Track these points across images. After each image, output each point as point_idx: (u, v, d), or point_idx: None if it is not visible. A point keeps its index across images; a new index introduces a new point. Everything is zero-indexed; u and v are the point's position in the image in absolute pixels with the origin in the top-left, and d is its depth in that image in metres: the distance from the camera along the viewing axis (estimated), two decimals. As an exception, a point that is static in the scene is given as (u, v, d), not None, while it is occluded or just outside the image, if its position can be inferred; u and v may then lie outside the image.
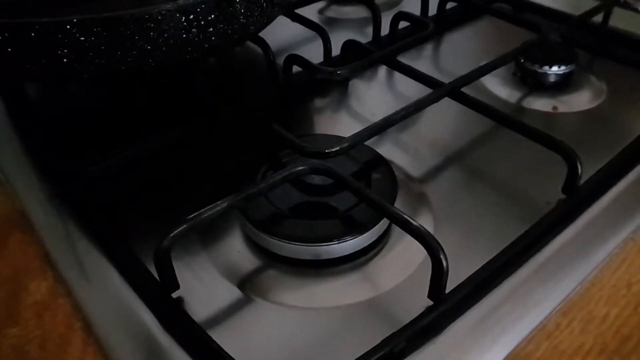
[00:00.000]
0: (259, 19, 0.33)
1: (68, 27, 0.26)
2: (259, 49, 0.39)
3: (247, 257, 0.27)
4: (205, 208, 0.24)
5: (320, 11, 0.50)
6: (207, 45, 0.30)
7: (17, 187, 0.31)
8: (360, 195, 0.26)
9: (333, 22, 0.48)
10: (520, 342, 0.23)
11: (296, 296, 0.25)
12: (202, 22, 0.29)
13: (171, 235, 0.23)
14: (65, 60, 0.28)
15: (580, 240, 0.27)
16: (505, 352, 0.23)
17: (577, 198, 0.29)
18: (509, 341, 0.23)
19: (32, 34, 0.26)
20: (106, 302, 0.24)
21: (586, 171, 0.29)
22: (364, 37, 0.43)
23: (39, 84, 0.38)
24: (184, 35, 0.29)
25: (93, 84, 0.37)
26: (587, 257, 0.27)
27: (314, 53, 0.38)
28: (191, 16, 0.29)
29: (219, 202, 0.24)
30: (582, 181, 0.29)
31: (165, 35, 0.28)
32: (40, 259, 0.27)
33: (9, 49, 0.27)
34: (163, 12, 0.27)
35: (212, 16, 0.29)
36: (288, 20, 0.42)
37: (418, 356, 0.22)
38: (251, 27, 0.33)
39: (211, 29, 0.30)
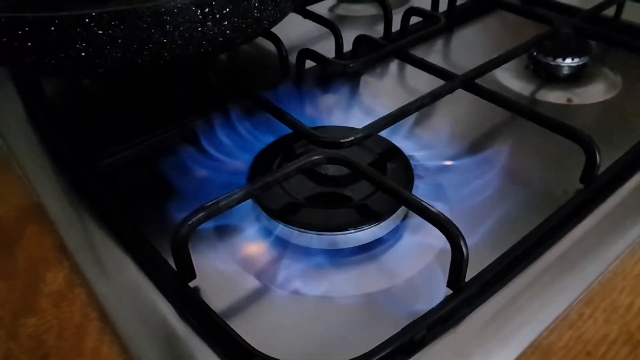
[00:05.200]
0: (272, 13, 0.33)
1: (87, 20, 0.27)
2: (268, 46, 0.39)
3: (262, 246, 0.27)
4: (222, 196, 0.24)
5: (331, 9, 0.50)
6: (221, 39, 0.30)
7: (34, 180, 0.31)
8: (377, 184, 0.26)
9: (343, 19, 0.48)
10: (542, 331, 0.23)
11: (313, 285, 0.25)
12: (217, 16, 0.29)
13: (189, 223, 0.23)
14: (83, 54, 0.28)
15: (601, 229, 0.27)
16: (527, 341, 0.22)
17: (595, 187, 0.29)
18: (531, 331, 0.23)
19: (52, 28, 0.27)
20: (122, 292, 0.24)
21: (603, 163, 0.29)
22: (375, 34, 0.43)
23: (54, 80, 0.39)
24: (199, 29, 0.29)
25: (108, 78, 0.38)
26: (609, 246, 0.26)
27: (325, 50, 0.38)
28: (206, 9, 0.29)
29: (235, 191, 0.24)
30: (600, 171, 0.29)
31: (181, 28, 0.28)
32: (56, 249, 0.27)
33: (29, 43, 0.27)
34: (179, 5, 0.28)
35: (227, 10, 0.30)
36: (299, 17, 0.43)
37: (438, 345, 0.22)
38: (265, 22, 0.33)
39: (226, 23, 0.30)
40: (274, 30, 0.37)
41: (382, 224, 0.26)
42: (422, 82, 0.36)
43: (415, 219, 0.26)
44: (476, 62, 0.35)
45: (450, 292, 0.23)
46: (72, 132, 0.33)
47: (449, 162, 0.30)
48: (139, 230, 0.26)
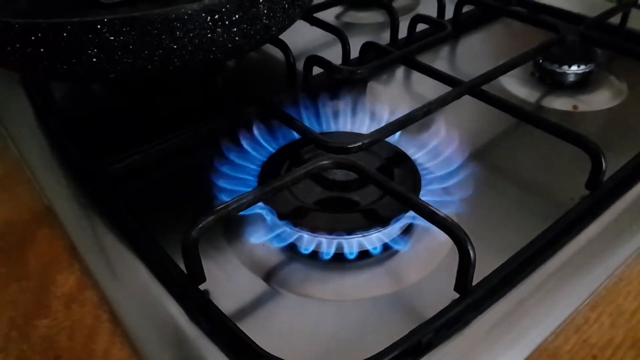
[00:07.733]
0: (280, 19, 0.33)
1: (98, 26, 0.27)
2: (276, 53, 0.39)
3: (271, 250, 0.27)
4: (232, 200, 0.24)
5: (338, 16, 0.51)
6: (230, 46, 0.31)
7: (44, 185, 0.32)
8: (384, 188, 0.26)
9: (350, 26, 0.49)
10: (548, 335, 0.23)
11: (321, 289, 0.25)
12: (227, 22, 0.30)
13: (199, 226, 0.23)
14: (94, 59, 0.28)
15: (606, 235, 0.27)
16: (533, 345, 0.23)
17: (601, 193, 0.29)
18: (537, 334, 0.23)
19: (64, 34, 0.27)
20: (133, 294, 0.25)
21: (608, 169, 0.29)
22: (381, 41, 0.44)
23: (64, 85, 0.39)
24: (209, 35, 0.30)
25: (117, 84, 0.38)
26: (615, 251, 0.26)
27: (332, 56, 0.39)
28: (216, 16, 0.29)
29: (245, 194, 0.24)
30: (605, 177, 0.29)
31: (191, 34, 0.29)
32: (67, 252, 0.27)
33: (41, 49, 0.28)
34: (189, 12, 0.28)
35: (236, 16, 0.30)
36: (306, 25, 0.43)
37: (445, 348, 0.22)
38: (273, 29, 0.33)
39: (235, 29, 0.30)
40: (281, 37, 0.37)
41: (390, 228, 0.26)
42: (429, 89, 0.37)
43: (423, 223, 0.27)
44: (482, 69, 0.35)
45: (457, 295, 0.23)
46: (82, 136, 0.34)
47: (455, 168, 0.31)
48: (150, 234, 0.27)
